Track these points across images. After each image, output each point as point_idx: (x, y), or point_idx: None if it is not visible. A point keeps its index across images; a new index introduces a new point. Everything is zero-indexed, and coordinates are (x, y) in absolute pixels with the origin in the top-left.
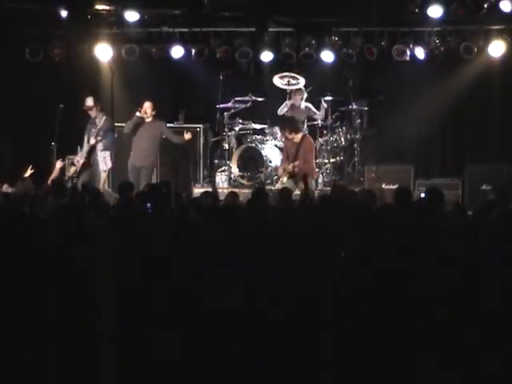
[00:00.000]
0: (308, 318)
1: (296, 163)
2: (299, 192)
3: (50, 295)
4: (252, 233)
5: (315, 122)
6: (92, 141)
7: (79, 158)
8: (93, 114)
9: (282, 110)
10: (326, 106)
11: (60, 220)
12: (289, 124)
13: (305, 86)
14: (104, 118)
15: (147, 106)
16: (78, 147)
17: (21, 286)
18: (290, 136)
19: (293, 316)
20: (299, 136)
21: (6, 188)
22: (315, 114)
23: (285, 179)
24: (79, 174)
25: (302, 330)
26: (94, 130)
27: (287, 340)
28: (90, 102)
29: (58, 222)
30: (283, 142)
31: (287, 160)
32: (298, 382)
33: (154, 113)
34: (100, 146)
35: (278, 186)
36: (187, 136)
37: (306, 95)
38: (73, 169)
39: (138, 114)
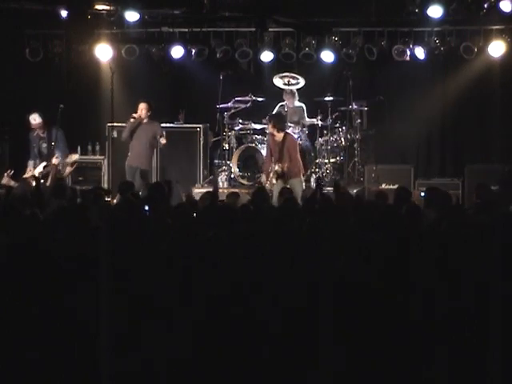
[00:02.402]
0: (308, 318)
1: (285, 165)
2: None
3: (50, 295)
4: (252, 233)
5: (315, 122)
6: (54, 161)
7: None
8: (42, 130)
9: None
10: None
11: (62, 220)
12: (276, 119)
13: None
14: (54, 131)
15: (142, 106)
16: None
17: (21, 286)
18: (273, 131)
19: (293, 317)
20: (281, 135)
21: (7, 181)
22: (303, 118)
23: (274, 181)
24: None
25: (302, 330)
26: (44, 144)
27: (287, 341)
28: (38, 119)
29: (59, 222)
30: (267, 138)
31: (271, 158)
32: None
33: (149, 113)
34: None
35: (268, 186)
36: (162, 141)
37: (297, 96)
38: (68, 169)
39: (132, 120)
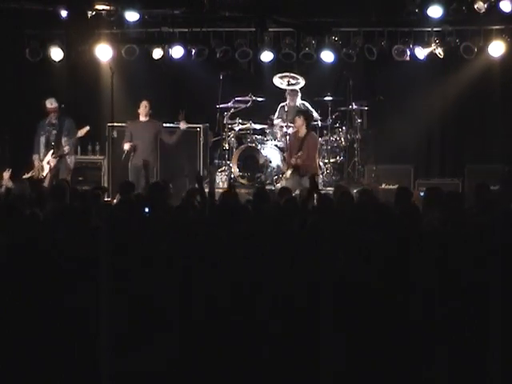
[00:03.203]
0: (308, 318)
1: (299, 153)
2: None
3: (50, 295)
4: (252, 233)
5: (315, 122)
6: (66, 150)
7: (48, 162)
8: (54, 115)
9: (277, 118)
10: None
11: (62, 220)
12: (307, 115)
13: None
14: (65, 119)
15: (145, 103)
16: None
17: (21, 286)
18: (301, 126)
19: (293, 317)
20: (304, 131)
21: (6, 181)
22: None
23: (288, 173)
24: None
25: (302, 330)
26: (54, 131)
27: (287, 341)
28: (54, 103)
29: (59, 222)
30: (288, 136)
31: (290, 158)
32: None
33: (150, 111)
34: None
35: (282, 181)
36: (182, 125)
37: (299, 94)
38: (68, 170)
39: (126, 147)
